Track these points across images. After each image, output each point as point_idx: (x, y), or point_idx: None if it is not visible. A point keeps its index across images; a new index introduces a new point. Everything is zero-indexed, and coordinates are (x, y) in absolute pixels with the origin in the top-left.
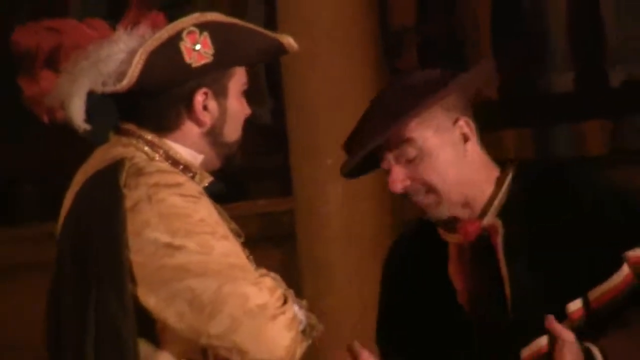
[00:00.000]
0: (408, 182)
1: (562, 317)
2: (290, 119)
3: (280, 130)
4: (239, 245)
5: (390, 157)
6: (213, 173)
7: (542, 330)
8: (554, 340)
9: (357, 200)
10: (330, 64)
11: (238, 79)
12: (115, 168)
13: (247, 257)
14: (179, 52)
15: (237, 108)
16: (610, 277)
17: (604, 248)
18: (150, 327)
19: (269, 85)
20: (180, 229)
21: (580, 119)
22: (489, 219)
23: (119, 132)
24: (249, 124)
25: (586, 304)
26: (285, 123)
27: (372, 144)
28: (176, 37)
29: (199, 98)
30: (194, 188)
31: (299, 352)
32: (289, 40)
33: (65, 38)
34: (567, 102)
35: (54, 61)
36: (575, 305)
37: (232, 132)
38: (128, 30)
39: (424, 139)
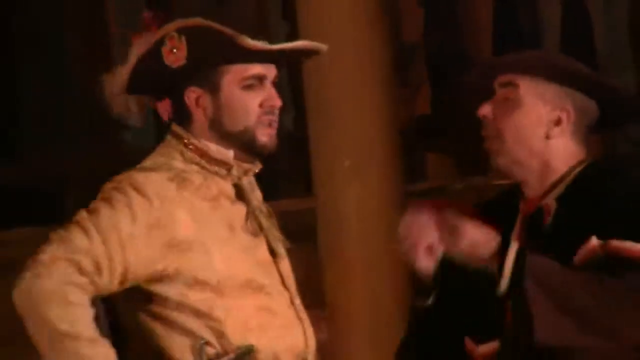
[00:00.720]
0: (490, 117)
1: None
2: (311, 124)
3: (302, 135)
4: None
5: (497, 91)
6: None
7: None
8: None
9: (372, 200)
10: (346, 75)
11: (234, 74)
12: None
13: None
14: (160, 56)
15: (235, 101)
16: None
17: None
18: None
19: (291, 94)
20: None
21: None
22: (548, 199)
23: (169, 133)
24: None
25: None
26: (306, 129)
27: (495, 72)
28: (160, 42)
29: (189, 95)
30: (151, 187)
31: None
32: (247, 42)
33: None
34: None
35: None
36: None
37: (234, 122)
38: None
39: (526, 92)
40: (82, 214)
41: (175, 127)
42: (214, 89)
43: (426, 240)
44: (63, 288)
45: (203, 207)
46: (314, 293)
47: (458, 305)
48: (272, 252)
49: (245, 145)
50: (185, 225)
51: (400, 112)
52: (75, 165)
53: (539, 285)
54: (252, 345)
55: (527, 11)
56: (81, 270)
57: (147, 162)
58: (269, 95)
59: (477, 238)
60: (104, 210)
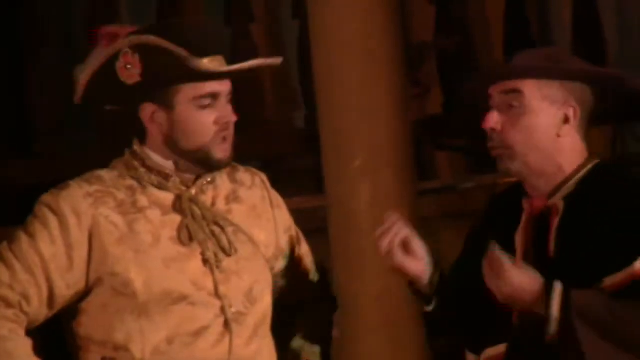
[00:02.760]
0: (499, 128)
1: None
2: (322, 123)
3: (313, 133)
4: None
5: (497, 99)
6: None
7: None
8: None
9: (384, 198)
10: (357, 74)
11: (187, 93)
12: None
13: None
14: (115, 71)
15: (189, 120)
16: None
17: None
18: None
19: (303, 92)
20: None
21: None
22: (555, 199)
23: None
24: (287, 129)
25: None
26: (317, 127)
27: (494, 79)
28: (114, 57)
29: (144, 111)
30: (67, 205)
31: None
32: (199, 64)
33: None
34: None
35: None
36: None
37: (188, 140)
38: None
39: (531, 98)
40: (4, 246)
41: (134, 140)
42: (168, 107)
43: (399, 235)
44: None
45: (121, 221)
46: None
47: (462, 313)
48: (208, 262)
49: (199, 161)
50: (101, 240)
51: (411, 111)
52: (85, 161)
53: (587, 324)
54: None
55: (537, 11)
56: (8, 304)
57: (85, 176)
58: (224, 112)
59: (521, 284)
60: (24, 238)
